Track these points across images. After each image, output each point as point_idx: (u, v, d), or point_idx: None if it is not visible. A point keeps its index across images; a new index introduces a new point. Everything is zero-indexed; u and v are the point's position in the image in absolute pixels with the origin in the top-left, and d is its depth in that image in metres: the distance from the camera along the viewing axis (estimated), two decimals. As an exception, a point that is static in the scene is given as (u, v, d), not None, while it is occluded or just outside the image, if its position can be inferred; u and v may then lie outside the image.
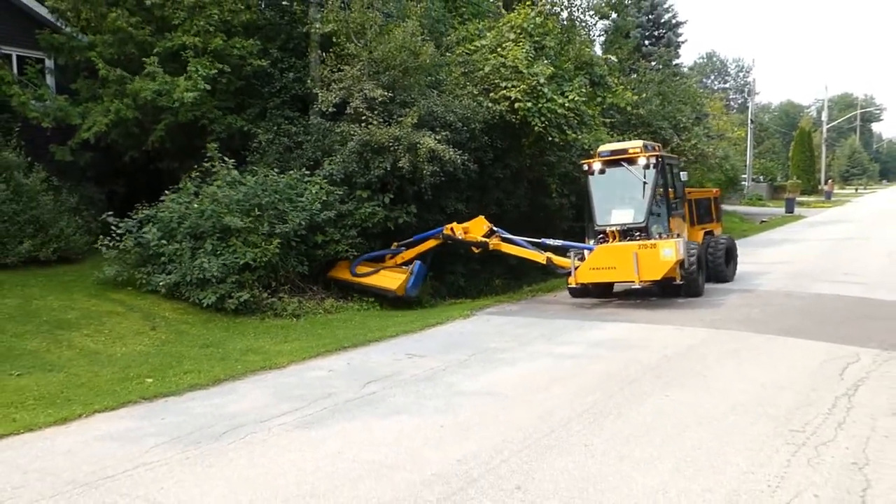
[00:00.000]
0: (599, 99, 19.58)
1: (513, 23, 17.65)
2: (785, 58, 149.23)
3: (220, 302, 11.87)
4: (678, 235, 12.94)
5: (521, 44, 16.80)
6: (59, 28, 15.48)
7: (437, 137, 14.24)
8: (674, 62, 40.74)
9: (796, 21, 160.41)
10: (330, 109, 14.91)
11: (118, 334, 10.62)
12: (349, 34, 15.41)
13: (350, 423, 6.50)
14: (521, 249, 13.82)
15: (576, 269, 12.65)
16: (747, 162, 51.66)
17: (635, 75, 27.89)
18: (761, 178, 57.46)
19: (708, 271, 14.33)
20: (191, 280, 11.91)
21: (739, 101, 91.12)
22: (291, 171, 14.03)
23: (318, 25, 15.76)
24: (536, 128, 15.97)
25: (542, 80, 16.09)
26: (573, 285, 13.16)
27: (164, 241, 12.18)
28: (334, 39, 15.55)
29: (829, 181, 67.16)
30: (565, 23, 19.86)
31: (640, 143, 13.83)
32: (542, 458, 5.45)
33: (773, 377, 7.58)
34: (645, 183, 13.06)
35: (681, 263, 12.26)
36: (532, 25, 17.56)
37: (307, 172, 14.14)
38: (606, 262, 12.33)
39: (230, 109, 15.52)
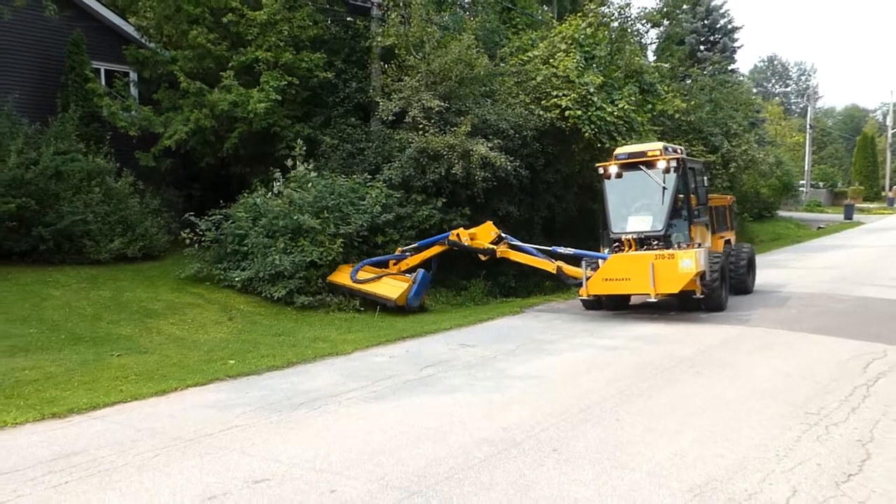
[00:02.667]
0: (649, 106, 20.11)
1: (564, 34, 18.41)
2: (850, 61, 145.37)
3: (290, 296, 12.92)
4: (699, 245, 12.25)
5: (571, 54, 17.55)
6: (144, 44, 16.85)
7: (490, 145, 15.08)
8: (729, 67, 40.71)
9: (863, 24, 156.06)
10: (390, 118, 15.94)
11: (200, 323, 11.76)
12: (408, 47, 16.41)
13: (410, 399, 7.40)
14: (530, 257, 13.28)
15: (587, 279, 11.96)
16: (805, 167, 51.05)
17: (690, 81, 28.22)
18: (820, 184, 56.60)
19: (730, 281, 13.55)
20: (263, 276, 13.00)
21: (801, 106, 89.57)
22: (354, 176, 15.06)
23: (379, 39, 16.82)
24: (586, 135, 16.64)
25: (591, 89, 16.81)
26: (584, 297, 12.48)
27: (241, 238, 13.31)
28: (395, 52, 16.58)
29: (894, 187, 65.65)
30: (615, 33, 20.44)
31: (660, 144, 12.96)
32: (577, 428, 6.25)
33: (798, 369, 8.21)
34: (665, 188, 12.18)
35: (701, 276, 11.52)
36: (583, 36, 18.30)
37: (368, 177, 15.16)
38: (620, 273, 11.56)
39: (297, 118, 16.67)
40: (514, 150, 16.22)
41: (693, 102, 23.27)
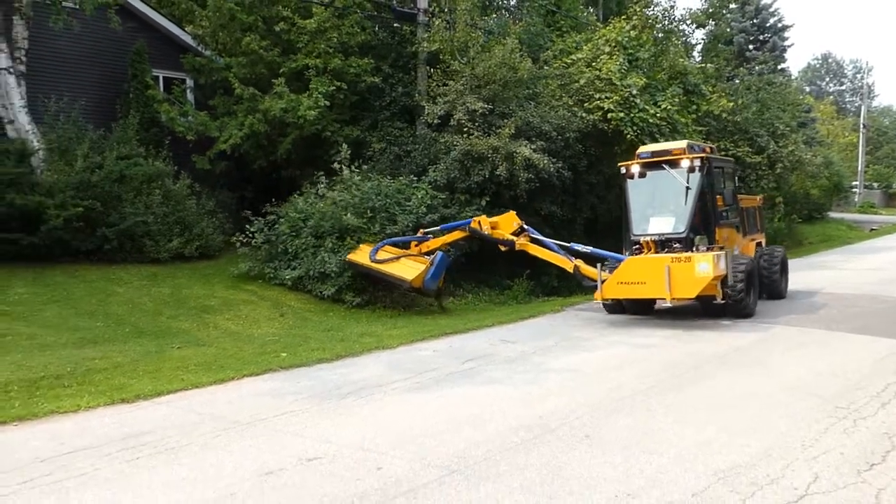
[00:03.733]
0: (694, 107, 20.18)
1: (608, 37, 18.63)
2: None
3: (338, 294, 13.44)
4: (721, 248, 11.55)
5: (615, 57, 17.78)
6: (200, 52, 17.60)
7: (533, 147, 15.41)
8: (779, 66, 40.24)
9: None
10: (435, 121, 16.38)
11: (253, 319, 12.35)
12: (453, 52, 16.82)
13: (452, 389, 7.81)
14: (549, 253, 12.79)
15: (602, 282, 11.51)
16: (858, 168, 50.03)
17: (738, 81, 28.07)
18: (875, 184, 55.37)
19: (762, 287, 13.20)
20: (312, 274, 13.55)
21: (856, 105, 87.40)
22: (401, 178, 15.53)
23: (425, 44, 17.29)
24: (629, 136, 16.84)
25: (634, 92, 17.02)
26: (599, 300, 12.09)
27: (291, 239, 13.89)
28: (440, 57, 17.02)
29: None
30: (660, 34, 20.58)
31: (684, 143, 12.51)
32: (610, 417, 6.58)
33: (831, 366, 8.37)
34: (688, 188, 11.66)
35: (723, 280, 11.14)
36: (626, 39, 18.49)
37: (414, 178, 15.62)
38: (636, 277, 11.12)
39: (346, 121, 17.23)
40: (557, 151, 16.50)
41: (740, 102, 23.21)
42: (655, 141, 16.97)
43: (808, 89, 77.15)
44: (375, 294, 13.92)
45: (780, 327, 11.02)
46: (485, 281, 16.30)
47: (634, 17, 19.29)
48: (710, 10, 25.46)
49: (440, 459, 5.56)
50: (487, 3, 22.81)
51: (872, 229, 35.65)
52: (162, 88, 18.11)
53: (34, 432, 6.54)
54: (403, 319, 12.90)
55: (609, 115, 16.91)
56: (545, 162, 15.37)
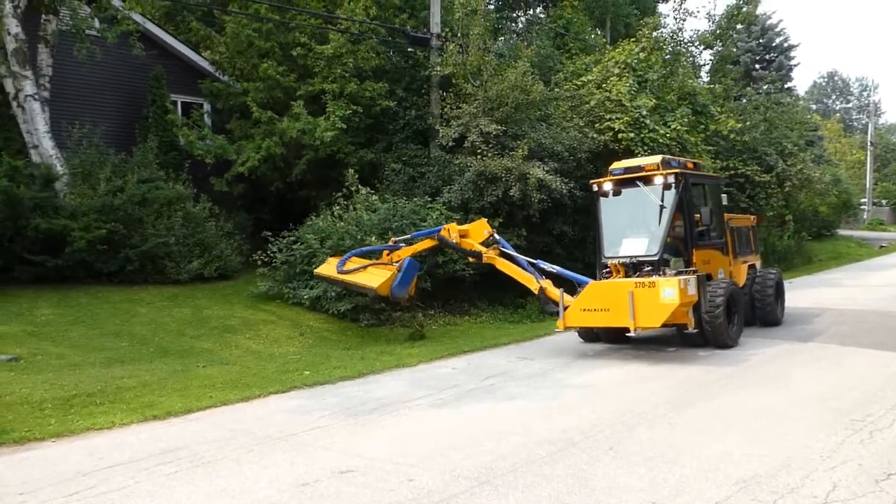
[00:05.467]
0: (702, 127, 20.45)
1: (617, 59, 18.96)
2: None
3: (355, 312, 13.66)
4: (694, 272, 10.38)
5: (624, 78, 18.09)
6: (218, 77, 17.99)
7: (546, 167, 15.68)
8: (786, 86, 40.56)
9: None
10: (449, 143, 16.67)
11: (273, 338, 12.58)
12: (466, 76, 17.16)
13: (474, 405, 7.99)
14: (517, 270, 11.51)
15: (565, 308, 10.50)
16: (867, 185, 50.15)
17: (746, 101, 28.36)
18: (883, 201, 55.46)
19: (756, 312, 12.48)
20: (330, 295, 13.77)
21: (863, 122, 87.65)
22: (416, 199, 15.80)
23: (438, 68, 17.64)
24: (639, 156, 17.08)
25: (644, 112, 17.31)
26: (561, 329, 10.87)
27: (308, 260, 14.13)
28: (453, 80, 17.37)
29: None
30: (668, 56, 20.90)
31: (658, 157, 11.38)
32: (632, 430, 6.75)
33: (846, 380, 8.52)
34: (662, 207, 10.68)
35: (695, 306, 10.17)
36: (636, 61, 18.81)
37: (429, 199, 15.88)
38: (599, 303, 10.10)
39: (361, 144, 17.55)
40: (569, 171, 16.77)
41: (748, 122, 23.49)
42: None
43: (814, 107, 77.53)
44: (392, 315, 14.13)
45: (795, 343, 11.16)
46: (498, 300, 16.49)
47: (643, 40, 19.63)
48: (718, 32, 25.82)
49: (469, 471, 5.74)
50: (498, 27, 23.20)
51: (882, 246, 35.71)
52: (180, 113, 18.51)
53: (72, 448, 6.75)
54: (420, 339, 13.10)
55: (620, 136, 17.19)
56: (557, 182, 15.64)
